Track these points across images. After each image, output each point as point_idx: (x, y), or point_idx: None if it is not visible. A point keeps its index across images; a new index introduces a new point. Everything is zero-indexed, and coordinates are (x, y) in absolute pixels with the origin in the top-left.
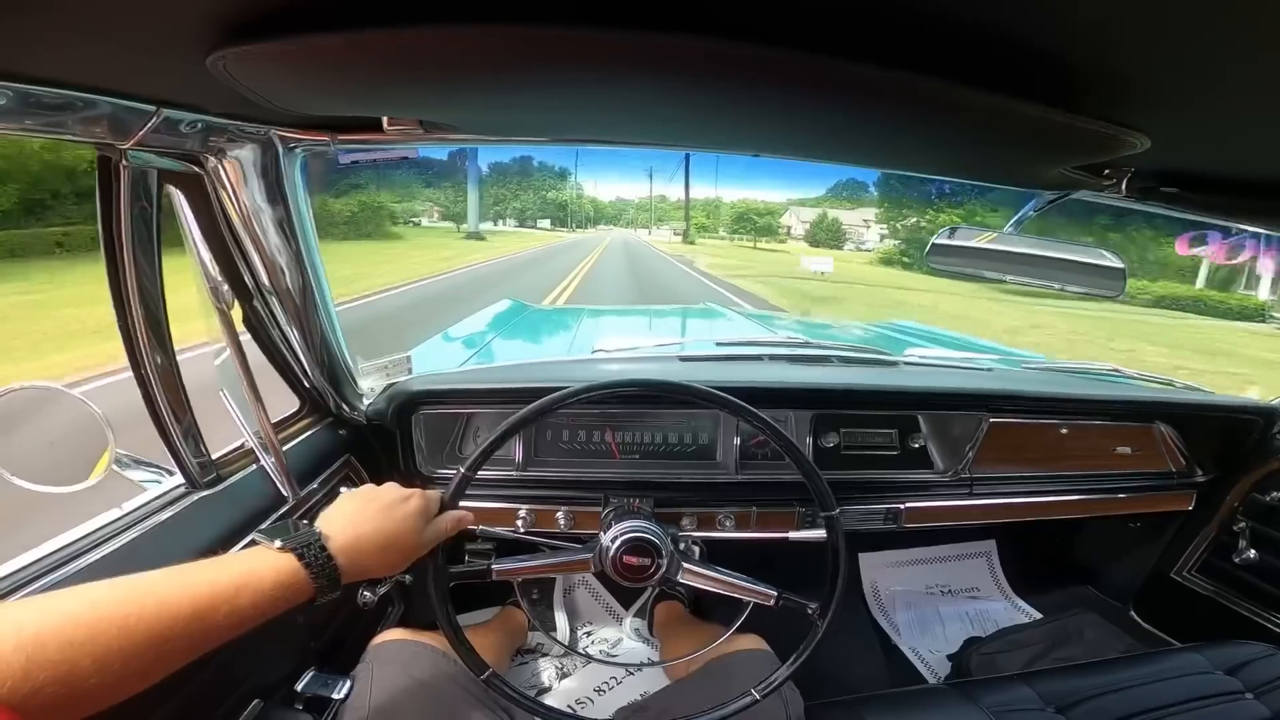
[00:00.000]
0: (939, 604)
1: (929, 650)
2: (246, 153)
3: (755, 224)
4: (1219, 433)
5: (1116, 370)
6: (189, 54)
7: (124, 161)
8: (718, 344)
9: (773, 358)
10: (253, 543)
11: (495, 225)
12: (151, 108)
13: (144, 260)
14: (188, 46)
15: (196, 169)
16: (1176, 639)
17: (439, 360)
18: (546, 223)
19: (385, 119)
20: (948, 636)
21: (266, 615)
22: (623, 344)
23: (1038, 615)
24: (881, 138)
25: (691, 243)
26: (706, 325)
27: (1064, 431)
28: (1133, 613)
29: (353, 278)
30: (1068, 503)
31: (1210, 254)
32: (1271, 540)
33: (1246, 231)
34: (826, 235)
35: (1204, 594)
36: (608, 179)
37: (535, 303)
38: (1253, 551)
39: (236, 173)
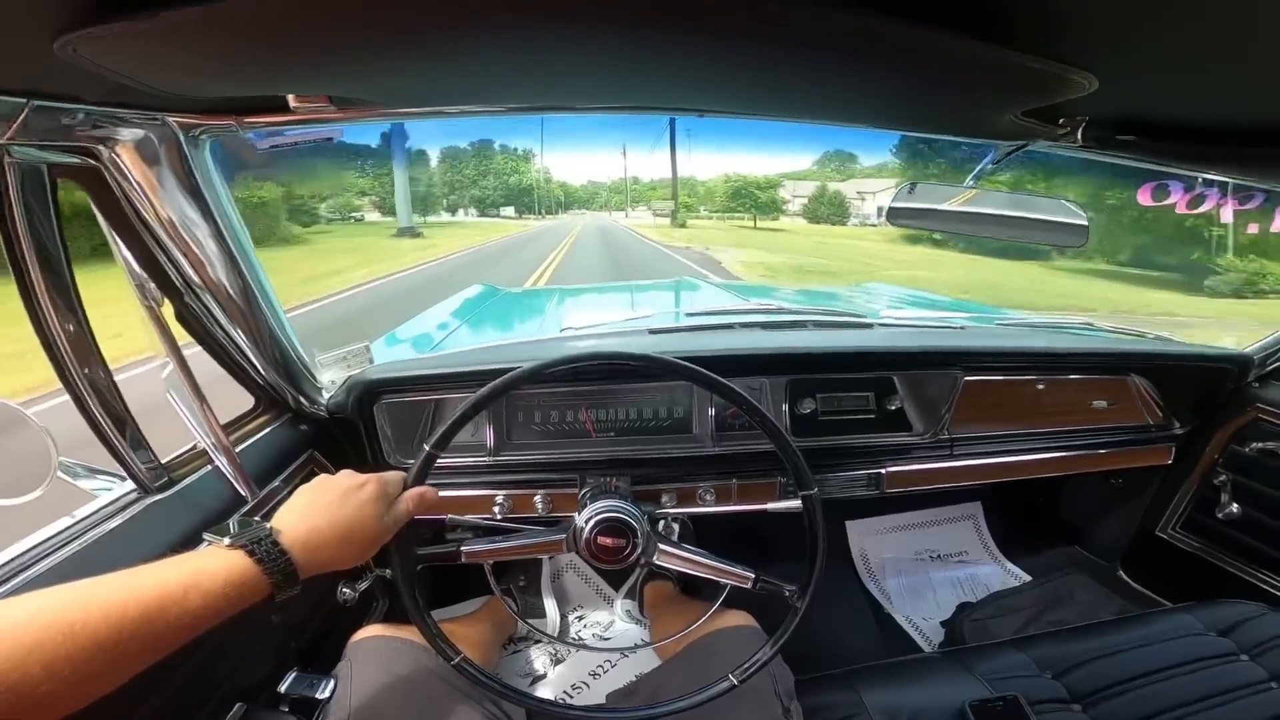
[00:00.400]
0: (929, 570)
1: (922, 617)
2: (145, 142)
3: (756, 200)
4: (1193, 383)
5: (1089, 324)
6: (35, 41)
7: (7, 157)
8: (688, 314)
9: (745, 325)
10: (207, 544)
11: (454, 216)
12: (20, 100)
13: (51, 261)
14: (32, 33)
15: (92, 161)
16: (1165, 598)
17: (404, 349)
18: (510, 210)
19: (290, 96)
20: (940, 603)
21: (222, 614)
22: (592, 320)
23: (1027, 578)
24: (822, 85)
25: (682, 225)
26: (680, 298)
27: (1040, 387)
28: (1121, 572)
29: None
30: (1048, 460)
31: (1174, 205)
32: (1253, 493)
33: (1211, 181)
34: (830, 210)
35: (1190, 551)
36: (576, 159)
37: None
38: (1235, 506)
39: (137, 163)
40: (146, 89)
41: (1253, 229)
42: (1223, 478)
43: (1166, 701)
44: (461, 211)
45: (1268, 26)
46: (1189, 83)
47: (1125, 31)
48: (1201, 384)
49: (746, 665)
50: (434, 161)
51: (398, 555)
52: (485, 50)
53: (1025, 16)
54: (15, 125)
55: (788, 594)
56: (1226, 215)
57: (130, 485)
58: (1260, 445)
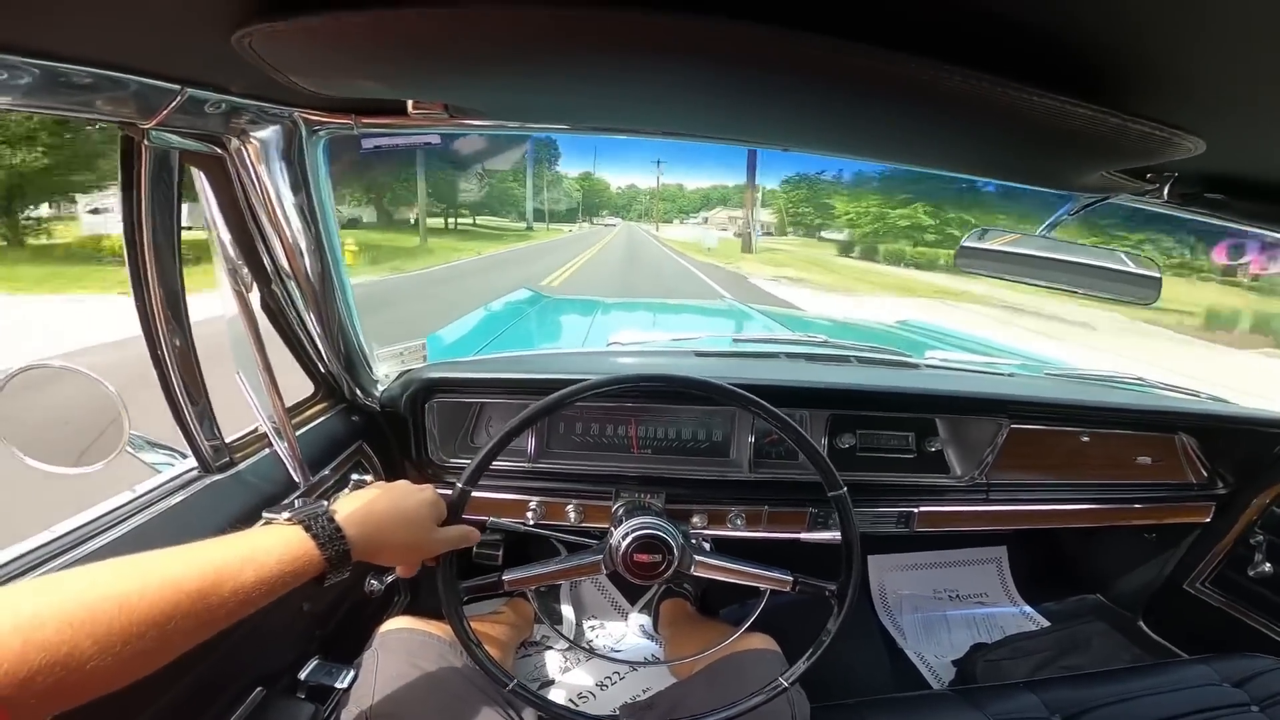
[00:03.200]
0: (946, 608)
1: (934, 655)
2: (269, 135)
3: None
4: (1242, 445)
5: (1140, 380)
6: (215, 32)
7: (146, 141)
8: (734, 340)
9: (790, 356)
10: (266, 523)
11: None
12: (176, 87)
13: (164, 241)
14: (214, 24)
15: (219, 150)
16: (1185, 651)
17: (454, 348)
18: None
19: (410, 102)
20: (953, 642)
21: (274, 593)
22: (638, 338)
23: (1045, 623)
24: (922, 135)
25: None
26: (725, 322)
27: (1085, 440)
28: (1141, 623)
29: None
30: (1084, 511)
31: (1249, 264)
32: None
33: None
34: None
35: (1214, 606)
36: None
37: None
38: (1268, 565)
39: (258, 155)
40: (290, 84)
41: None
42: (1259, 538)
43: None
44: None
45: None
46: None
47: (1242, 99)
48: (1250, 447)
49: (795, 667)
50: None
51: (445, 592)
52: (597, 75)
53: (1140, 81)
54: (166, 112)
55: (828, 594)
56: None
57: (192, 462)
58: None
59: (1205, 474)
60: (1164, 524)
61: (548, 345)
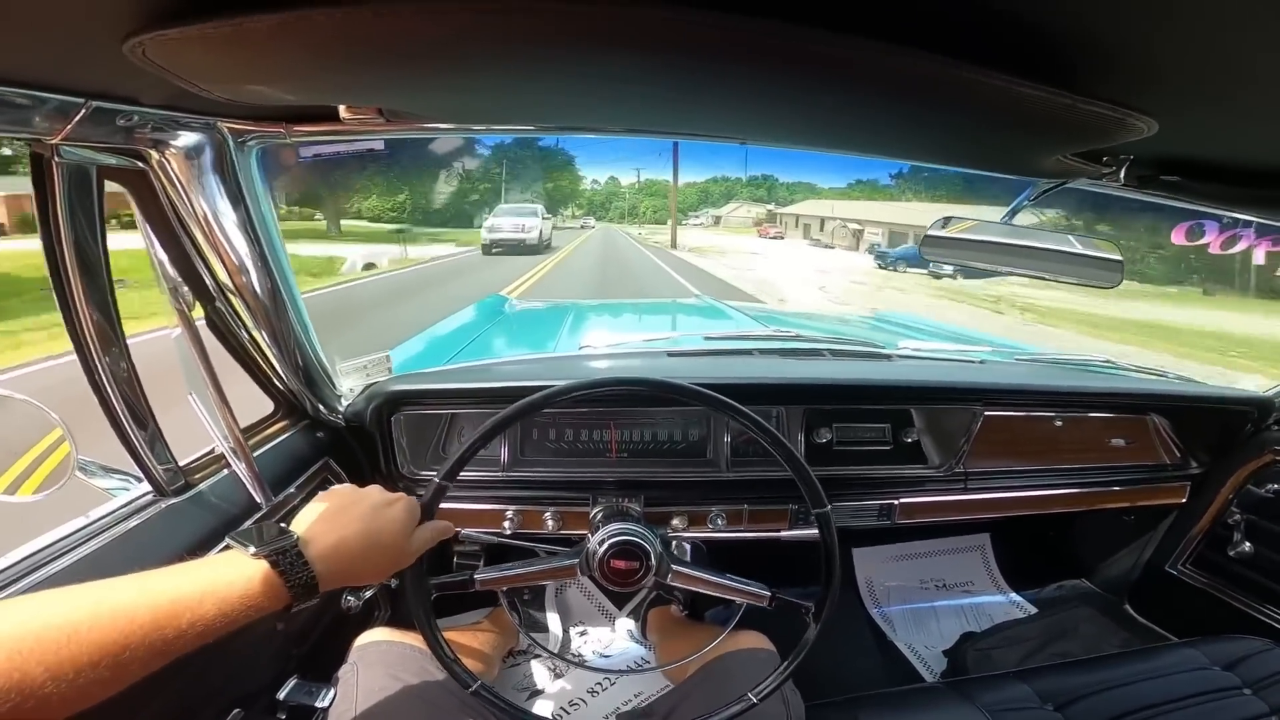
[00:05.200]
0: (934, 599)
1: (925, 646)
2: (193, 146)
3: None
4: (1213, 424)
5: (1110, 362)
6: (105, 41)
7: (56, 157)
8: (706, 339)
9: (763, 352)
10: (227, 547)
11: None
12: (79, 100)
13: (90, 261)
14: (102, 33)
15: (140, 164)
16: (1171, 633)
17: (421, 359)
18: None
19: (342, 107)
20: (943, 632)
21: (236, 624)
22: (610, 340)
23: (1033, 610)
24: (876, 122)
25: None
26: (697, 320)
27: (1058, 424)
28: (1127, 606)
29: None
30: (1062, 496)
31: (1208, 244)
32: (1266, 532)
33: (1241, 221)
34: None
35: (1198, 587)
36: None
37: None
38: (1247, 544)
39: (184, 168)
40: (204, 94)
41: None
42: (1236, 517)
43: None
44: None
45: None
46: (1248, 128)
47: (1193, 79)
48: (1221, 425)
49: (764, 684)
50: None
51: (413, 587)
52: (536, 73)
53: (1089, 61)
54: (70, 125)
55: (804, 612)
56: (1260, 256)
57: (146, 487)
58: (1276, 487)
59: (1178, 454)
60: (1141, 506)
61: (520, 351)
